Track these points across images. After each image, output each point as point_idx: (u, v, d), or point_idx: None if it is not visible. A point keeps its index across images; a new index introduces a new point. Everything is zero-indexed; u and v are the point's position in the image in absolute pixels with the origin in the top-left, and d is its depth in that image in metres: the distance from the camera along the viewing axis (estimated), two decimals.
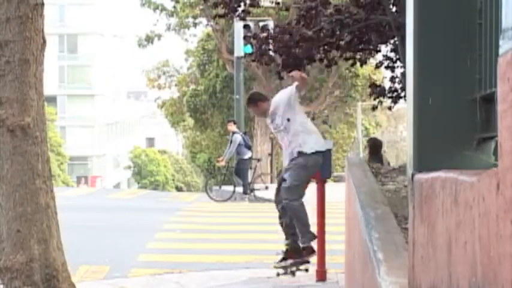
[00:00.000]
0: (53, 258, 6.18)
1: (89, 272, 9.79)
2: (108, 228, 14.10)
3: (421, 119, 3.24)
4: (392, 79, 12.34)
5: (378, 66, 13.12)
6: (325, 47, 11.28)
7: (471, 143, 3.11)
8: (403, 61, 10.07)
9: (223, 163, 19.79)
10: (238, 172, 19.77)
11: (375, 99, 12.67)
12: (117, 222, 15.22)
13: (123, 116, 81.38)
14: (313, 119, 37.60)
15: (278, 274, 8.48)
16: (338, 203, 11.42)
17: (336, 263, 9.40)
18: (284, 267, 8.44)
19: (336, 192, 13.52)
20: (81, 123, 73.40)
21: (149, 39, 34.42)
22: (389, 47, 12.03)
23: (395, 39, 10.55)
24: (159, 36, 34.43)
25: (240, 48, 22.97)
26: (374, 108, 13.06)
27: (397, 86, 12.09)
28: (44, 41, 6.25)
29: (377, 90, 12.44)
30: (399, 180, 7.84)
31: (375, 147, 13.85)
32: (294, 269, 8.43)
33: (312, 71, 28.75)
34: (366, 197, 5.98)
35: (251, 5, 11.14)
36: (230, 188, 20.25)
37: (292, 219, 8.25)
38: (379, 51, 12.32)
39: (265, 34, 11.50)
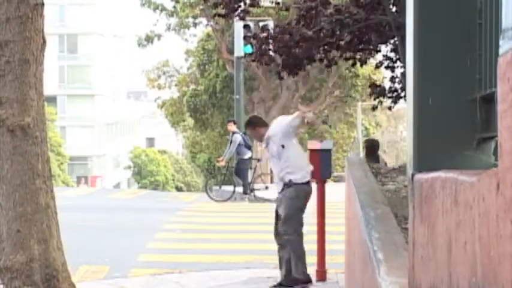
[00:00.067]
0: (53, 258, 6.18)
1: (89, 272, 9.79)
2: (108, 228, 14.10)
3: (421, 119, 3.24)
4: (392, 79, 12.34)
5: (378, 66, 13.12)
6: (325, 47, 11.28)
7: (471, 143, 3.11)
8: (403, 61, 10.07)
9: (223, 163, 19.79)
10: (238, 172, 19.77)
11: (375, 99, 12.68)
12: (117, 222, 15.22)
13: (123, 116, 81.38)
14: None
15: None
16: (338, 203, 11.42)
17: (336, 263, 9.41)
18: None
19: (336, 192, 13.52)
20: (81, 123, 73.40)
21: (149, 39, 34.42)
22: (389, 47, 12.03)
23: (395, 39, 10.55)
24: (159, 36, 34.43)
25: (240, 48, 22.96)
26: (374, 108, 13.06)
27: (397, 86, 12.10)
28: (44, 41, 6.26)
29: (377, 90, 12.44)
30: (399, 180, 7.84)
31: (371, 148, 13.90)
32: None
33: (312, 71, 28.76)
34: (366, 197, 5.98)
35: (251, 5, 11.14)
36: (230, 188, 20.24)
37: (290, 254, 8.33)
38: (379, 51, 12.32)
39: (265, 34, 11.50)
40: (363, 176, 7.40)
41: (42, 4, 6.22)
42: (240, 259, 10.62)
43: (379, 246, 4.28)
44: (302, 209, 8.40)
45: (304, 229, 8.47)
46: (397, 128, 66.30)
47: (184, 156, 69.14)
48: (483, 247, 2.06)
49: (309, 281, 8.42)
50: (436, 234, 2.74)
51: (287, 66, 11.22)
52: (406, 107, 3.74)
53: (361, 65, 13.05)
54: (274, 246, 8.57)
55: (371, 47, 11.75)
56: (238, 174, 19.84)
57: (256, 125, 8.68)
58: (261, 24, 17.85)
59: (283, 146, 8.25)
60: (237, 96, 23.74)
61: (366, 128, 48.00)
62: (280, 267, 8.43)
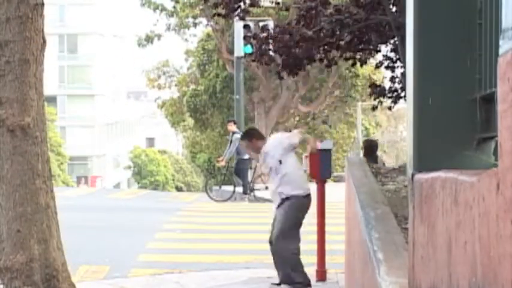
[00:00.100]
0: (53, 258, 6.18)
1: (89, 272, 9.79)
2: (108, 228, 14.11)
3: (421, 119, 3.24)
4: (392, 79, 12.34)
5: (378, 66, 13.12)
6: (325, 47, 11.27)
7: (471, 143, 3.11)
8: (403, 61, 10.06)
9: (223, 163, 19.79)
10: (238, 172, 19.77)
11: (375, 99, 12.67)
12: (117, 222, 15.22)
13: (123, 116, 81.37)
14: (313, 119, 37.63)
15: None
16: (338, 203, 11.43)
17: (336, 263, 9.41)
18: None
19: (336, 192, 13.52)
20: (81, 123, 73.39)
21: (149, 39, 34.41)
22: (389, 47, 12.02)
23: (395, 39, 10.54)
24: (159, 36, 34.41)
25: (240, 48, 22.96)
26: (374, 108, 13.06)
27: (397, 86, 12.09)
28: (44, 41, 6.26)
29: (377, 90, 12.44)
30: (399, 180, 7.84)
31: (370, 148, 13.91)
32: None
33: (312, 71, 28.75)
34: (366, 197, 5.98)
35: (251, 5, 11.13)
36: (230, 188, 20.24)
37: (279, 263, 8.36)
38: (379, 51, 12.31)
39: (265, 34, 11.49)
40: (363, 176, 7.40)
41: (42, 4, 6.22)
42: (240, 259, 10.62)
43: (379, 246, 4.28)
44: (299, 222, 8.40)
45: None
46: (397, 128, 66.30)
47: (184, 156, 69.14)
48: (483, 247, 2.06)
49: (308, 284, 8.42)
50: (436, 234, 2.74)
51: (287, 66, 11.22)
52: (406, 107, 3.74)
53: (361, 65, 13.04)
54: None
55: (371, 47, 11.75)
56: (238, 174, 19.84)
57: (253, 137, 8.70)
58: (261, 24, 17.85)
59: (280, 162, 8.29)
60: (237, 96, 23.74)
61: (366, 128, 47.99)
62: (277, 269, 8.47)
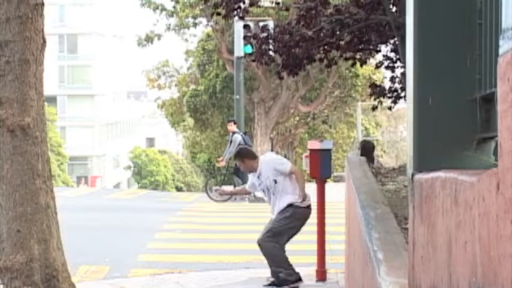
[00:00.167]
0: (53, 258, 6.18)
1: (89, 272, 9.79)
2: (108, 228, 14.11)
3: (421, 119, 3.24)
4: (392, 79, 12.34)
5: (378, 66, 13.12)
6: (325, 47, 11.27)
7: (471, 143, 3.11)
8: (403, 61, 10.06)
9: (223, 163, 19.78)
10: (238, 172, 19.77)
11: (375, 99, 12.67)
12: (117, 222, 15.22)
13: (123, 116, 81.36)
14: (313, 119, 37.63)
15: None
16: (338, 203, 11.43)
17: (336, 263, 9.41)
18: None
19: (336, 192, 13.53)
20: (81, 123, 73.38)
21: (149, 39, 34.42)
22: (390, 47, 12.02)
23: (395, 39, 10.54)
24: (159, 36, 34.42)
25: (240, 48, 22.95)
26: (374, 108, 13.06)
27: (397, 86, 12.09)
28: (44, 41, 6.26)
29: (377, 90, 12.44)
30: (399, 180, 7.84)
31: (365, 149, 13.88)
32: None
33: (312, 71, 28.75)
34: (366, 197, 5.98)
35: (251, 4, 11.13)
36: (230, 188, 20.22)
37: (267, 258, 8.47)
38: (379, 51, 12.31)
39: (265, 34, 11.48)
40: (363, 176, 7.40)
41: (42, 4, 6.22)
42: (240, 259, 10.62)
43: (379, 246, 4.28)
44: (294, 229, 8.48)
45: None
46: (397, 128, 66.30)
47: (184, 156, 69.13)
48: (483, 247, 2.06)
49: (299, 279, 8.47)
50: (436, 234, 2.74)
51: (287, 66, 11.22)
52: (406, 107, 3.74)
53: (361, 65, 13.04)
54: None
55: (371, 47, 11.75)
56: (238, 174, 19.84)
57: (244, 157, 8.77)
58: (261, 24, 17.83)
59: (275, 181, 8.41)
60: (237, 96, 23.73)
61: (366, 128, 47.98)
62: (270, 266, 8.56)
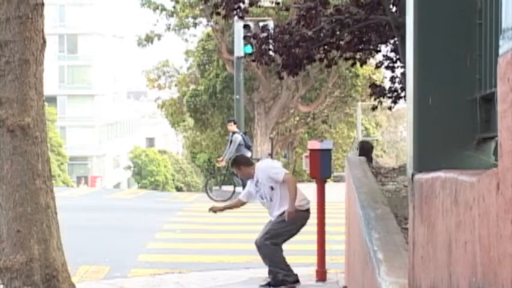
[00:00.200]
0: (53, 258, 6.18)
1: (89, 272, 9.79)
2: (108, 228, 14.10)
3: (421, 119, 3.24)
4: (392, 79, 12.34)
5: (378, 66, 13.12)
6: (325, 47, 11.27)
7: (471, 143, 3.11)
8: (403, 61, 10.06)
9: (223, 163, 19.77)
10: None
11: (375, 99, 12.67)
12: (117, 222, 15.22)
13: (123, 116, 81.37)
14: (313, 119, 37.63)
15: None
16: (338, 203, 11.43)
17: (336, 263, 9.41)
18: None
19: (336, 192, 13.52)
20: (81, 123, 73.38)
21: (149, 39, 34.42)
22: (390, 47, 12.02)
23: (396, 39, 10.54)
24: (159, 36, 34.42)
25: (240, 48, 22.95)
26: (374, 108, 13.06)
27: (397, 86, 12.09)
28: (44, 41, 6.25)
29: (377, 90, 12.44)
30: (399, 180, 7.84)
31: (364, 150, 13.88)
32: None
33: (312, 71, 28.75)
34: (366, 197, 5.98)
35: (251, 4, 11.13)
36: (230, 188, 20.22)
37: (264, 259, 8.51)
38: (379, 51, 12.31)
39: (265, 34, 11.48)
40: (363, 176, 7.41)
41: (42, 4, 6.22)
42: (240, 259, 10.62)
43: (379, 246, 4.28)
44: (292, 232, 8.53)
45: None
46: (397, 128, 66.29)
47: (184, 156, 69.13)
48: (483, 247, 2.06)
49: (296, 280, 8.50)
50: (436, 234, 2.74)
51: (287, 66, 11.21)
52: (406, 107, 3.74)
53: (361, 65, 13.04)
54: None
55: (371, 47, 11.75)
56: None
57: (240, 164, 8.86)
58: (261, 24, 17.83)
59: (272, 188, 8.45)
60: (237, 96, 23.74)
61: (366, 128, 47.96)
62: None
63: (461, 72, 3.12)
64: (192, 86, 38.11)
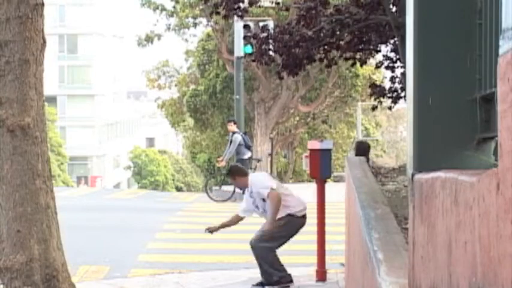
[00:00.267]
0: (53, 258, 6.18)
1: (89, 272, 9.79)
2: (108, 228, 14.10)
3: (421, 119, 3.24)
4: (392, 79, 12.33)
5: (378, 66, 13.11)
6: (325, 47, 11.27)
7: (471, 143, 3.11)
8: (403, 61, 10.06)
9: (223, 163, 19.77)
10: None
11: (375, 99, 12.67)
12: (117, 222, 15.22)
13: (123, 116, 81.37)
14: (313, 119, 37.62)
15: None
16: (338, 203, 11.43)
17: (336, 263, 9.41)
18: None
19: (336, 192, 13.52)
20: (81, 123, 73.39)
21: (149, 39, 34.41)
22: (390, 47, 12.02)
23: (396, 39, 10.54)
24: (159, 36, 34.41)
25: (240, 48, 22.95)
26: (374, 108, 13.06)
27: (397, 86, 12.09)
28: (44, 41, 6.25)
29: (377, 90, 12.43)
30: (399, 180, 7.84)
31: (360, 150, 13.87)
32: None
33: (312, 71, 28.74)
34: (366, 197, 5.98)
35: (250, 4, 11.13)
36: (230, 188, 20.22)
37: (259, 260, 8.56)
38: (379, 51, 12.31)
39: (265, 34, 11.48)
40: (363, 176, 7.40)
41: (42, 4, 6.22)
42: (240, 259, 10.62)
43: (379, 246, 4.28)
44: (286, 238, 8.57)
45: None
46: (397, 128, 66.28)
47: (184, 156, 69.12)
48: (483, 247, 2.06)
49: (291, 281, 8.53)
50: (436, 234, 2.74)
51: (287, 66, 11.21)
52: (406, 107, 3.74)
53: (361, 65, 13.03)
54: None
55: (371, 47, 11.74)
56: None
57: (235, 175, 9.00)
58: (261, 24, 17.83)
59: (264, 200, 8.57)
60: (237, 96, 23.73)
61: (366, 128, 47.95)
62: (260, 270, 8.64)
63: (461, 72, 3.12)
64: (192, 86, 38.10)
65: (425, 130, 3.22)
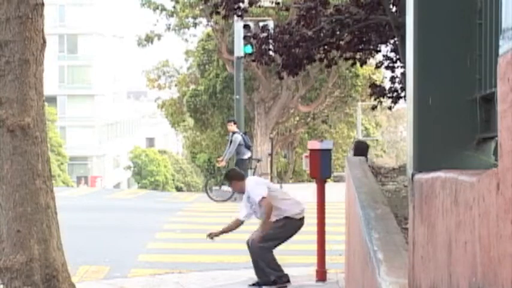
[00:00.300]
0: (53, 258, 6.18)
1: (89, 272, 9.79)
2: (108, 228, 14.10)
3: (421, 119, 3.24)
4: (392, 79, 12.33)
5: (378, 66, 13.11)
6: (325, 47, 11.27)
7: (471, 143, 3.11)
8: (403, 61, 10.06)
9: (223, 163, 19.77)
10: None
11: (375, 99, 12.67)
12: (117, 222, 15.22)
13: (123, 116, 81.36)
14: (313, 119, 37.62)
15: None
16: (338, 203, 11.42)
17: (336, 263, 9.41)
18: None
19: (336, 192, 13.52)
20: (81, 123, 73.38)
21: (149, 39, 34.41)
22: (390, 47, 12.01)
23: (396, 39, 10.54)
24: (159, 36, 34.41)
25: (240, 48, 22.94)
26: (374, 108, 13.06)
27: (397, 86, 12.09)
28: (44, 41, 6.25)
29: (377, 90, 12.43)
30: (399, 180, 7.84)
31: (359, 150, 13.86)
32: None
33: (312, 71, 28.74)
34: (366, 197, 5.98)
35: (250, 4, 11.13)
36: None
37: (256, 259, 8.60)
38: (379, 51, 12.31)
39: (265, 34, 11.48)
40: (363, 176, 7.40)
41: (42, 4, 6.22)
42: (240, 259, 10.61)
43: (379, 246, 4.28)
44: (283, 239, 8.63)
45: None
46: (397, 128, 66.28)
47: (184, 156, 69.12)
48: (483, 247, 2.06)
49: (288, 280, 8.56)
50: (436, 234, 2.74)
51: (287, 66, 11.21)
52: (406, 107, 3.74)
53: (361, 65, 13.03)
54: None
55: (371, 47, 11.74)
56: None
57: (232, 179, 9.07)
58: (261, 24, 17.83)
59: (259, 205, 8.59)
60: (237, 96, 23.73)
61: (366, 128, 47.96)
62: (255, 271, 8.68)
63: (461, 72, 3.12)
64: (192, 86, 38.10)
65: (425, 130, 3.22)
